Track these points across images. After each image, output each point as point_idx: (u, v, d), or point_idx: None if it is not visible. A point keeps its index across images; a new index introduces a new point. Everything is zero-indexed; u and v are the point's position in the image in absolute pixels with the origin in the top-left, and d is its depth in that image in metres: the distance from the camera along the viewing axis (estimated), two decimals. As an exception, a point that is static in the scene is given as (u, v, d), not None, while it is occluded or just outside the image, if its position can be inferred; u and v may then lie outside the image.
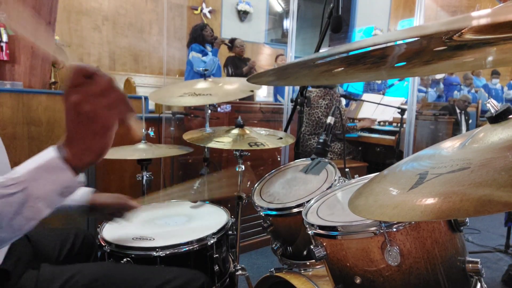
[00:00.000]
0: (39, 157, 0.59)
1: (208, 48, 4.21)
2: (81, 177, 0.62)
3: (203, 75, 1.82)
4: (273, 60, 5.92)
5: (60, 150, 0.59)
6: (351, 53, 0.49)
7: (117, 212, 1.16)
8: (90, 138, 0.59)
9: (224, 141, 1.44)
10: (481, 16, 0.34)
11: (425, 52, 0.59)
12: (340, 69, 0.65)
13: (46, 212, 0.59)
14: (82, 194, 1.09)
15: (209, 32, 4.22)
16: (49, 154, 0.59)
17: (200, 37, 4.18)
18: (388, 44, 0.46)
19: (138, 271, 1.00)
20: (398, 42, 0.45)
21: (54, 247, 1.08)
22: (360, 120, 3.65)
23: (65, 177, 0.59)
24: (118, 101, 0.61)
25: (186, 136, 1.52)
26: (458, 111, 4.99)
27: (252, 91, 2.21)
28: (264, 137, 1.49)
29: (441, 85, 6.85)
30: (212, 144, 1.42)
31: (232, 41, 4.63)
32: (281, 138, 1.51)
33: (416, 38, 0.43)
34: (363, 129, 3.53)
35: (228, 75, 4.47)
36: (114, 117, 0.60)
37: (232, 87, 1.75)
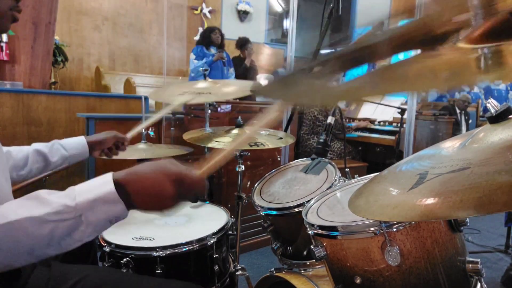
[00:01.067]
0: (98, 187, 0.62)
1: (212, 51, 4.19)
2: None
3: (203, 76, 1.82)
4: (273, 61, 5.92)
5: (119, 188, 0.62)
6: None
7: (112, 146, 1.27)
8: (153, 208, 0.67)
9: (224, 141, 1.44)
10: None
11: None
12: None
13: (93, 236, 0.63)
14: (77, 143, 1.19)
15: (218, 36, 4.17)
16: (108, 186, 0.62)
17: (207, 39, 4.15)
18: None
19: (143, 283, 0.98)
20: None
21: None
22: (360, 120, 3.65)
23: (118, 210, 0.63)
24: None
25: (186, 136, 1.53)
26: (458, 111, 4.99)
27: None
28: (264, 137, 1.49)
29: None
30: (212, 144, 1.41)
31: (245, 43, 4.48)
32: (281, 138, 1.51)
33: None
34: (363, 129, 3.53)
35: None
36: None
37: (229, 89, 1.77)
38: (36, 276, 0.85)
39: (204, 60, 4.08)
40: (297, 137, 1.61)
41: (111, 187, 0.62)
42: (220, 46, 4.18)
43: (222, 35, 4.23)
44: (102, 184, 0.62)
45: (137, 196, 0.63)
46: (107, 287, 0.92)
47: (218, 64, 4.13)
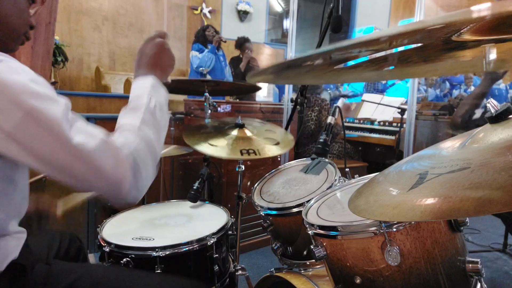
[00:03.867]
0: (143, 82, 0.88)
1: (209, 47, 4.21)
2: None
3: (203, 75, 1.82)
4: (273, 60, 5.92)
5: (152, 76, 0.89)
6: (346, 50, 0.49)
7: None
8: (166, 66, 0.94)
9: (218, 145, 1.42)
10: (481, 9, 0.34)
11: (424, 52, 0.59)
12: (341, 65, 0.65)
13: (168, 116, 0.89)
14: None
15: (211, 32, 4.21)
16: (149, 79, 0.88)
17: (202, 37, 4.19)
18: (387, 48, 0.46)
19: (142, 279, 0.99)
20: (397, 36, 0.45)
21: (41, 249, 1.07)
22: (359, 120, 3.65)
23: (164, 91, 0.91)
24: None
25: (186, 134, 1.52)
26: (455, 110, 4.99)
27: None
28: (261, 142, 1.46)
29: (447, 84, 6.84)
30: (204, 149, 1.39)
31: (243, 42, 4.52)
32: (278, 143, 1.48)
33: (417, 29, 0.43)
34: (363, 129, 3.53)
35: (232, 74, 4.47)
36: (173, 57, 0.97)
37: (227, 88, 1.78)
38: (36, 273, 0.85)
39: (206, 51, 4.09)
40: (297, 137, 1.60)
41: (151, 79, 0.89)
42: (217, 32, 4.21)
43: (216, 31, 4.25)
44: (144, 80, 0.88)
45: (163, 74, 0.93)
46: (107, 283, 0.92)
47: (218, 64, 4.14)
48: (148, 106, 0.83)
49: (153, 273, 1.10)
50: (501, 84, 7.61)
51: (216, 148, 1.40)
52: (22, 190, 0.81)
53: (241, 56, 4.53)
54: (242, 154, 1.36)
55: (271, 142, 1.47)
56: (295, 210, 1.12)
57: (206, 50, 4.09)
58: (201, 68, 3.89)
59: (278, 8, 8.10)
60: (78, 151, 0.68)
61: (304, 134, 2.99)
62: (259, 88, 2.11)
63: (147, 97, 0.85)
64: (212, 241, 1.20)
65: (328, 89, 5.21)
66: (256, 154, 1.36)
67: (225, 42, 4.20)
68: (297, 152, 1.62)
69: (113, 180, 0.71)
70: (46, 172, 0.68)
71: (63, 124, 0.67)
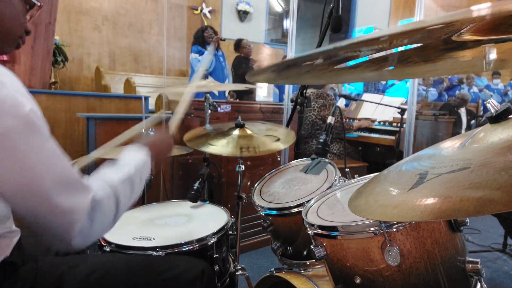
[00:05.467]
0: (138, 154, 0.92)
1: (208, 49, 4.22)
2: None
3: (204, 77, 1.83)
4: (273, 60, 5.92)
5: (147, 152, 0.95)
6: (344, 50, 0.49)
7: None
8: (163, 155, 1.03)
9: (217, 144, 1.42)
10: (481, 9, 0.35)
11: (424, 52, 0.59)
12: (343, 65, 0.65)
13: (142, 186, 0.91)
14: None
15: (210, 33, 4.22)
16: (143, 154, 0.93)
17: (201, 38, 4.20)
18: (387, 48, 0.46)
19: (136, 261, 1.00)
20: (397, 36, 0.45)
21: (38, 249, 1.07)
22: (360, 120, 3.65)
23: (148, 170, 0.94)
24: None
25: (186, 137, 1.52)
26: (461, 110, 4.99)
27: (247, 88, 2.22)
28: (261, 139, 1.47)
29: (444, 84, 6.85)
30: (205, 148, 1.40)
31: (239, 42, 4.62)
32: (278, 139, 1.49)
33: (416, 29, 0.43)
34: (363, 129, 3.53)
35: (232, 75, 4.48)
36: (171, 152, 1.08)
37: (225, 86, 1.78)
38: (24, 271, 0.86)
39: (206, 52, 4.10)
40: (297, 136, 1.60)
41: (146, 157, 0.93)
42: (216, 33, 4.24)
43: (214, 32, 4.27)
44: (140, 154, 0.92)
45: (156, 156, 0.98)
46: (97, 273, 0.93)
47: (218, 64, 4.15)
48: (132, 175, 0.85)
49: (144, 256, 1.10)
50: (499, 84, 7.62)
51: (215, 147, 1.40)
52: None
53: (242, 54, 4.56)
54: (241, 151, 1.36)
55: (271, 139, 1.48)
56: (295, 210, 1.12)
57: (206, 52, 4.10)
58: (201, 69, 3.90)
59: (278, 8, 8.10)
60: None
61: (305, 124, 3.00)
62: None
63: (134, 168, 0.87)
64: (212, 241, 1.20)
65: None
66: (256, 151, 1.37)
67: (224, 40, 4.21)
68: (297, 152, 1.62)
69: (66, 217, 0.68)
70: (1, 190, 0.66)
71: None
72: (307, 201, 1.08)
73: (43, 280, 0.87)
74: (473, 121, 5.20)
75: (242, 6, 6.89)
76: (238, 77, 4.36)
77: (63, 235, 0.70)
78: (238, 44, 4.61)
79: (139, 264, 0.99)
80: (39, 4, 0.83)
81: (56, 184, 0.68)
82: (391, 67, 0.73)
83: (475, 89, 7.14)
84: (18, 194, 0.66)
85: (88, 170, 1.02)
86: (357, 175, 1.20)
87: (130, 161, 0.89)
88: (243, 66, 4.46)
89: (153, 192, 2.64)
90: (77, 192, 0.70)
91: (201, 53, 4.14)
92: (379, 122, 3.55)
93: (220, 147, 1.40)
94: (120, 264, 0.98)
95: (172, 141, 1.05)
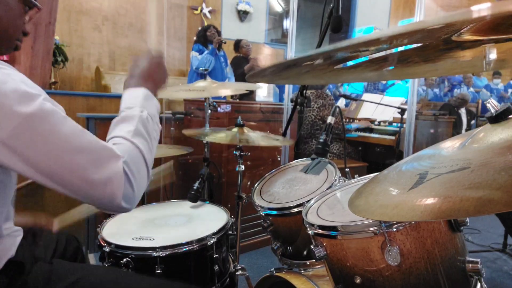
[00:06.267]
0: (135, 93, 0.88)
1: (210, 48, 4.22)
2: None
3: (202, 76, 1.83)
4: (273, 60, 5.91)
5: (143, 88, 0.90)
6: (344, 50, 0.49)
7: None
8: (159, 81, 0.96)
9: (216, 137, 1.47)
10: (481, 9, 0.35)
11: (424, 52, 0.59)
12: (341, 65, 0.65)
13: (159, 127, 0.90)
14: None
15: (213, 33, 4.22)
16: (141, 90, 0.89)
17: (203, 37, 4.20)
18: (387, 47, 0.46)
19: (142, 282, 0.99)
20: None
21: (38, 249, 1.07)
22: (359, 120, 3.65)
23: (156, 102, 0.92)
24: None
25: (187, 132, 1.54)
26: (461, 110, 4.99)
27: (248, 90, 2.23)
28: (261, 137, 1.49)
29: (446, 84, 6.85)
30: (205, 138, 1.44)
31: (238, 42, 4.65)
32: (277, 140, 1.51)
33: (417, 29, 0.43)
34: (363, 129, 3.53)
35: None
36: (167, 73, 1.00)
37: (225, 91, 1.80)
38: (37, 272, 0.86)
39: (206, 52, 4.10)
40: (298, 136, 1.60)
41: (144, 90, 0.89)
42: (219, 34, 4.24)
43: (217, 31, 4.27)
44: (136, 91, 0.89)
45: (154, 87, 0.94)
46: (106, 286, 0.92)
47: (218, 65, 4.15)
48: (140, 118, 0.84)
49: (153, 277, 1.10)
50: (499, 84, 7.62)
51: (215, 137, 1.45)
52: (12, 191, 0.82)
53: (241, 54, 4.57)
54: (240, 141, 1.40)
55: (270, 138, 1.50)
56: (295, 210, 1.12)
57: (206, 52, 4.10)
58: (201, 68, 3.90)
59: (278, 8, 8.10)
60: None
61: (304, 124, 3.01)
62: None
63: (139, 108, 0.85)
64: (212, 241, 1.20)
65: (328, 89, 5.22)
66: (254, 143, 1.39)
67: (225, 43, 4.21)
68: (297, 152, 1.62)
69: (106, 189, 0.71)
70: (39, 180, 0.68)
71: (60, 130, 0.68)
72: (307, 201, 1.08)
73: (56, 283, 0.87)
74: (473, 121, 5.20)
75: (242, 6, 6.89)
76: (237, 77, 4.37)
77: (109, 203, 0.72)
78: (237, 44, 4.63)
79: (147, 285, 0.98)
80: (38, 6, 0.83)
81: (87, 160, 0.69)
82: (391, 67, 0.73)
83: (471, 89, 7.14)
84: (54, 176, 0.68)
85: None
86: (357, 175, 1.20)
87: (133, 106, 0.86)
88: (242, 66, 4.47)
89: (153, 192, 2.64)
90: (107, 161, 0.72)
91: (201, 52, 4.14)
92: (379, 122, 3.55)
93: (219, 138, 1.45)
94: (127, 283, 0.97)
95: (160, 59, 0.98)
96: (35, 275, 0.85)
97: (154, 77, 0.94)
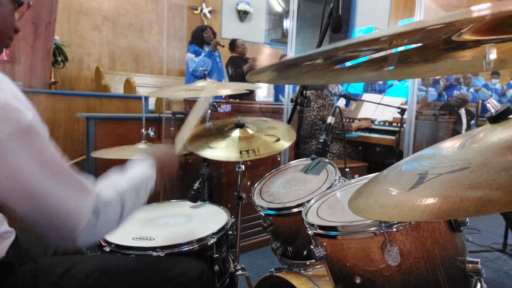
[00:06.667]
0: (146, 168, 0.96)
1: (207, 49, 4.21)
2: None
3: (201, 78, 1.83)
4: (273, 60, 5.92)
5: (153, 166, 0.99)
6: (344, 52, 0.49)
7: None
8: (166, 172, 1.05)
9: (217, 147, 1.41)
10: (481, 9, 0.35)
11: (424, 52, 0.59)
12: (340, 65, 0.65)
13: (146, 197, 0.94)
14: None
15: (209, 34, 4.22)
16: (150, 169, 0.97)
17: (200, 38, 4.20)
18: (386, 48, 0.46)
19: (136, 262, 1.01)
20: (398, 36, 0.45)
21: (35, 249, 1.07)
22: (359, 120, 3.65)
23: (153, 183, 0.97)
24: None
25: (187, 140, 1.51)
26: (461, 110, 4.99)
27: (248, 90, 2.23)
28: (262, 139, 1.46)
29: (441, 84, 6.86)
30: (204, 153, 1.39)
31: (234, 41, 4.63)
32: (278, 139, 1.48)
33: (416, 29, 0.43)
34: (363, 129, 3.53)
35: (229, 75, 4.46)
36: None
37: (225, 91, 1.79)
38: (24, 271, 0.86)
39: (203, 54, 4.10)
40: (297, 136, 1.60)
41: (152, 172, 0.97)
42: (215, 36, 4.24)
43: (213, 33, 4.26)
44: (148, 168, 0.97)
45: (160, 172, 1.01)
46: (96, 273, 0.93)
47: (215, 65, 4.15)
48: (138, 185, 0.89)
49: (144, 256, 1.11)
50: (497, 84, 7.62)
51: (215, 150, 1.39)
52: None
53: (237, 54, 4.55)
54: (241, 154, 1.35)
55: (271, 139, 1.47)
56: (295, 210, 1.12)
57: (203, 54, 4.09)
58: (201, 69, 3.90)
59: (278, 8, 8.10)
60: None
61: (304, 125, 3.02)
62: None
63: (141, 179, 0.91)
64: (212, 241, 1.20)
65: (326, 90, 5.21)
66: (255, 154, 1.35)
67: (223, 46, 4.21)
68: (297, 152, 1.62)
69: (71, 217, 0.70)
70: (5, 199, 0.66)
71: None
72: (307, 201, 1.08)
73: (43, 280, 0.87)
74: (472, 121, 5.20)
75: (242, 6, 6.89)
76: (236, 77, 4.36)
77: (67, 235, 0.71)
78: (233, 44, 4.60)
79: (138, 264, 0.99)
80: (28, 2, 0.83)
81: (59, 187, 0.69)
82: (391, 67, 0.73)
83: (471, 89, 7.14)
84: (21, 198, 0.66)
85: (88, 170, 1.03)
86: (357, 175, 1.20)
87: (137, 172, 0.93)
88: (240, 66, 4.45)
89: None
90: (80, 194, 0.72)
91: (197, 54, 4.13)
92: (379, 122, 3.55)
93: (219, 150, 1.39)
94: (120, 264, 0.99)
95: (176, 159, 1.08)
96: (22, 276, 0.85)
97: (165, 165, 1.04)
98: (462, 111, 5.01)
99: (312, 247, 0.90)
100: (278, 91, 4.62)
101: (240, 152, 1.35)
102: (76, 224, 0.70)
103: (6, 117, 0.63)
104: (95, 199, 0.74)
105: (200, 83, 1.76)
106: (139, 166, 0.95)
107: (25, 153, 0.65)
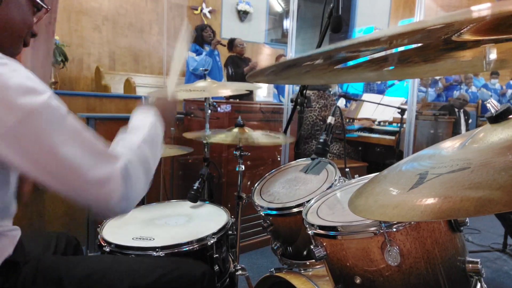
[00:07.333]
0: (146, 115, 0.93)
1: (207, 48, 4.21)
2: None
3: (200, 77, 1.83)
4: (273, 60, 5.92)
5: (154, 112, 0.95)
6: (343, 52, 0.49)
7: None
8: (167, 123, 0.99)
9: (216, 137, 1.48)
10: (481, 9, 0.35)
11: (424, 52, 0.59)
12: (341, 65, 0.65)
13: (160, 144, 0.92)
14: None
15: (209, 33, 4.22)
16: (151, 115, 0.94)
17: (200, 37, 4.20)
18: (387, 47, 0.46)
19: (137, 262, 1.00)
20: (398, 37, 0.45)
21: (36, 249, 1.07)
22: (360, 120, 3.65)
23: (162, 130, 0.94)
24: None
25: (187, 136, 1.53)
26: (456, 110, 4.99)
27: (248, 91, 2.24)
28: (262, 136, 1.49)
29: (439, 84, 6.86)
30: (208, 139, 1.44)
31: (232, 41, 4.63)
32: (278, 137, 1.52)
33: (416, 29, 0.43)
34: (363, 129, 3.53)
35: (228, 74, 4.46)
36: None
37: (226, 91, 1.83)
38: (26, 270, 0.86)
39: (204, 53, 4.10)
40: (298, 136, 1.60)
41: (154, 116, 0.94)
42: (214, 35, 4.25)
43: (213, 32, 4.26)
44: (151, 116, 0.94)
45: (163, 117, 0.97)
46: (96, 274, 0.93)
47: (215, 64, 4.15)
48: (149, 131, 0.87)
49: (145, 257, 1.11)
50: (496, 84, 7.62)
51: (215, 137, 1.45)
52: (12, 189, 0.82)
53: (235, 54, 4.56)
54: (240, 141, 1.40)
55: (270, 137, 1.51)
56: (295, 210, 1.12)
57: (204, 53, 4.09)
58: (201, 69, 3.90)
59: (278, 8, 8.09)
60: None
61: (305, 125, 3.02)
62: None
63: (149, 126, 0.89)
64: (212, 241, 1.20)
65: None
66: (254, 142, 1.38)
67: (224, 45, 4.22)
68: (297, 152, 1.62)
69: (103, 189, 0.71)
70: (36, 176, 0.67)
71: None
72: (307, 201, 1.08)
73: (44, 279, 0.88)
74: (470, 121, 5.20)
75: (242, 6, 6.89)
76: (232, 77, 4.35)
77: (104, 205, 0.72)
78: (231, 44, 4.60)
79: (140, 265, 0.99)
80: (46, 7, 0.83)
81: (85, 158, 0.69)
82: (391, 67, 0.73)
83: (473, 88, 7.14)
84: (51, 174, 0.67)
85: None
86: (357, 175, 1.20)
87: (143, 123, 0.90)
88: (239, 65, 4.45)
89: (153, 192, 2.64)
90: (106, 162, 0.72)
91: (198, 53, 4.13)
92: (379, 122, 3.54)
93: (219, 138, 1.46)
94: (121, 265, 0.98)
95: (175, 102, 1.06)
96: (23, 274, 0.85)
97: (166, 109, 1.01)
98: (460, 111, 5.02)
99: (312, 247, 0.90)
100: (279, 92, 4.62)
101: (239, 140, 1.38)
102: (110, 193, 0.71)
103: (22, 95, 0.64)
104: (121, 165, 0.73)
105: (200, 83, 1.77)
106: (142, 117, 0.93)
107: (49, 127, 0.66)
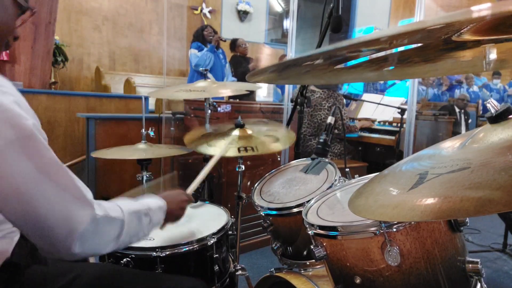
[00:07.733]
0: (156, 201, 0.96)
1: (209, 45, 4.22)
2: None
3: (203, 75, 1.83)
4: (273, 61, 5.92)
5: (164, 204, 0.98)
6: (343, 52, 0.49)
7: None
8: (174, 218, 1.05)
9: (216, 145, 1.42)
10: (481, 9, 0.35)
11: (424, 52, 0.59)
12: (341, 65, 0.65)
13: (150, 229, 0.92)
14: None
15: (210, 32, 4.23)
16: (161, 204, 0.97)
17: (201, 36, 4.22)
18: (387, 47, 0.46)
19: (140, 277, 1.00)
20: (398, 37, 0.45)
21: (36, 250, 1.07)
22: (360, 120, 3.65)
23: (161, 219, 0.97)
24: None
25: (186, 139, 1.52)
26: (457, 110, 4.99)
27: (248, 91, 2.24)
28: (261, 139, 1.47)
29: (443, 84, 6.86)
30: (203, 149, 1.41)
31: (234, 41, 4.64)
32: (278, 140, 1.49)
33: (417, 29, 0.43)
34: (363, 129, 3.53)
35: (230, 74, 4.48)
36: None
37: (225, 91, 1.80)
38: (33, 274, 0.86)
39: (205, 49, 4.10)
40: (298, 137, 1.60)
41: (162, 208, 0.96)
42: (215, 32, 4.25)
43: (214, 31, 4.28)
44: (158, 203, 0.96)
45: (169, 212, 0.99)
46: (104, 281, 0.93)
47: (218, 62, 4.15)
48: (142, 212, 0.88)
49: (150, 272, 1.10)
50: (498, 84, 7.62)
51: (214, 148, 1.40)
52: None
53: (238, 54, 4.57)
54: (239, 151, 1.36)
55: (271, 140, 1.48)
56: (295, 210, 1.12)
57: (205, 49, 4.10)
58: (201, 68, 3.91)
59: (278, 8, 8.10)
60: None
61: (312, 123, 3.03)
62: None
63: (148, 208, 0.90)
64: (212, 241, 1.20)
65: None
66: (254, 151, 1.36)
67: (224, 41, 4.22)
68: (297, 152, 1.62)
69: (68, 222, 0.69)
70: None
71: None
72: (307, 201, 1.08)
73: (52, 284, 0.88)
74: (470, 120, 5.20)
75: (242, 6, 6.89)
76: (237, 76, 4.37)
77: (60, 240, 0.70)
78: (234, 44, 4.62)
79: (142, 280, 0.99)
80: (31, 9, 0.82)
81: (56, 190, 0.68)
82: (391, 67, 0.73)
83: (475, 88, 7.14)
84: (13, 199, 0.65)
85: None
86: (357, 175, 1.20)
87: (146, 202, 0.92)
88: (241, 65, 4.46)
89: (153, 192, 2.63)
90: (78, 199, 0.71)
91: (200, 49, 4.14)
92: (379, 122, 3.55)
93: (218, 148, 1.40)
94: (123, 278, 0.98)
95: (186, 204, 1.08)
96: (31, 277, 0.85)
97: (175, 207, 1.02)
98: (461, 111, 5.02)
99: (312, 247, 0.90)
100: (283, 92, 4.63)
101: (239, 149, 1.36)
102: (72, 229, 0.69)
103: (8, 122, 0.63)
104: (95, 207, 0.72)
105: (201, 83, 1.77)
106: (150, 199, 0.95)
107: (24, 156, 0.64)
